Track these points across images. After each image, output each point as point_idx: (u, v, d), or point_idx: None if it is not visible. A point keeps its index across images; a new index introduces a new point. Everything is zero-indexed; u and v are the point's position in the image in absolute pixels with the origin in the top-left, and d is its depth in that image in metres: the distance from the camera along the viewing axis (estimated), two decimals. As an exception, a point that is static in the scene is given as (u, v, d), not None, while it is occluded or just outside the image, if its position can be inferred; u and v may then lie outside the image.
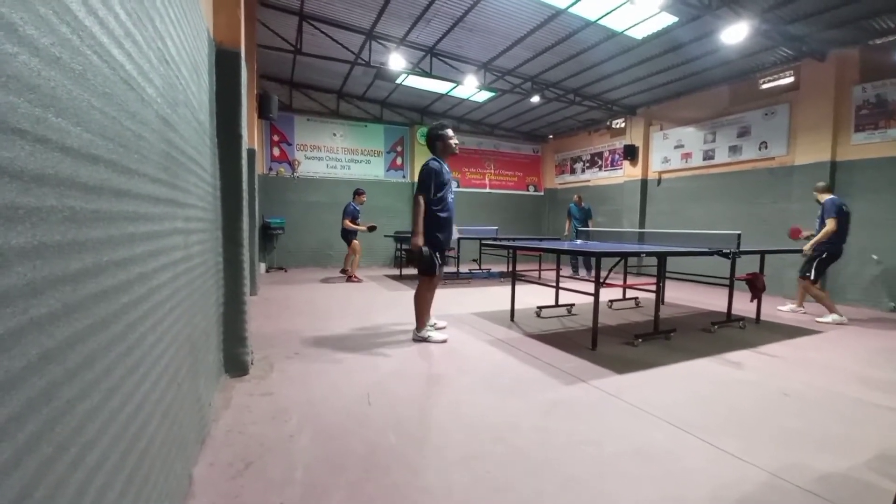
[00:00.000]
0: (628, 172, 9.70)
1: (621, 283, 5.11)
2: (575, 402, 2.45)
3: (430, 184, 3.43)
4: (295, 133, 9.54)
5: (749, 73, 7.24)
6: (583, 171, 11.27)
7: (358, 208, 7.31)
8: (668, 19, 5.73)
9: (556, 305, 4.96)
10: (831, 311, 4.78)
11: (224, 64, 2.54)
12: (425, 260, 3.45)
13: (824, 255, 4.81)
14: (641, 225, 9.29)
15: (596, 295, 3.42)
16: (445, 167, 3.56)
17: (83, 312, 0.77)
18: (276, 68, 8.47)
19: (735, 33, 5.34)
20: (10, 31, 0.55)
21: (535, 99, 8.61)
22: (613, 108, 9.33)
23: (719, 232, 4.97)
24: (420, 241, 3.43)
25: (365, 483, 1.63)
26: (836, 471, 1.79)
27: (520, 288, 5.21)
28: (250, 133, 5.52)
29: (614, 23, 5.96)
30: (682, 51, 6.64)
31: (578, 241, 6.00)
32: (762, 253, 4.62)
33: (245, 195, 2.75)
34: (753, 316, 4.65)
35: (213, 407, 2.19)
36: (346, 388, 2.58)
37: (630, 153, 9.41)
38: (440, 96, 9.52)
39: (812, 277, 4.86)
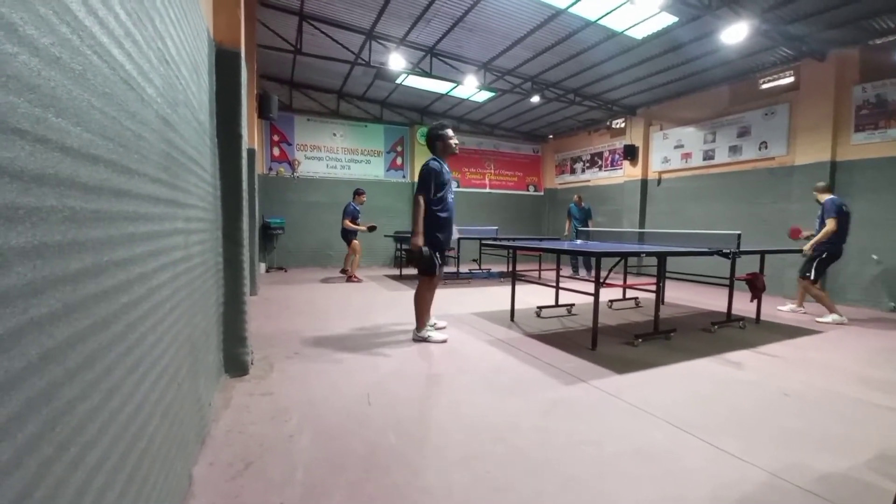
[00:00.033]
0: (628, 172, 9.70)
1: (621, 283, 5.11)
2: (575, 401, 2.45)
3: (430, 184, 3.43)
4: (295, 133, 9.54)
5: (749, 73, 7.24)
6: (583, 171, 11.27)
7: (358, 208, 7.30)
8: (668, 19, 5.73)
9: (556, 305, 4.95)
10: (831, 311, 4.78)
11: (224, 64, 2.54)
12: (425, 260, 3.45)
13: (824, 255, 4.81)
14: (641, 225, 9.29)
15: (596, 295, 3.42)
16: (445, 167, 3.56)
17: (83, 312, 0.77)
18: (276, 68, 8.47)
19: (735, 33, 5.34)
20: (10, 31, 0.55)
21: (535, 99, 8.61)
22: (613, 108, 9.33)
23: (719, 232, 4.97)
24: (420, 241, 3.43)
25: (365, 483, 1.63)
26: (836, 471, 1.79)
27: (520, 288, 5.21)
28: (250, 133, 5.52)
29: (614, 23, 5.96)
30: (682, 51, 6.64)
31: (578, 241, 6.00)
32: (762, 253, 4.62)
33: (245, 195, 2.75)
34: (753, 316, 4.65)
35: (213, 407, 2.19)
36: (346, 388, 2.58)
37: (630, 153, 9.41)
38: (440, 96, 9.52)
39: (812, 277, 4.87)
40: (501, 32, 6.54)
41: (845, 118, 6.10)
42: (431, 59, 7.48)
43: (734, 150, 7.60)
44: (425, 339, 3.59)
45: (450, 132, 3.61)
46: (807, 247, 4.92)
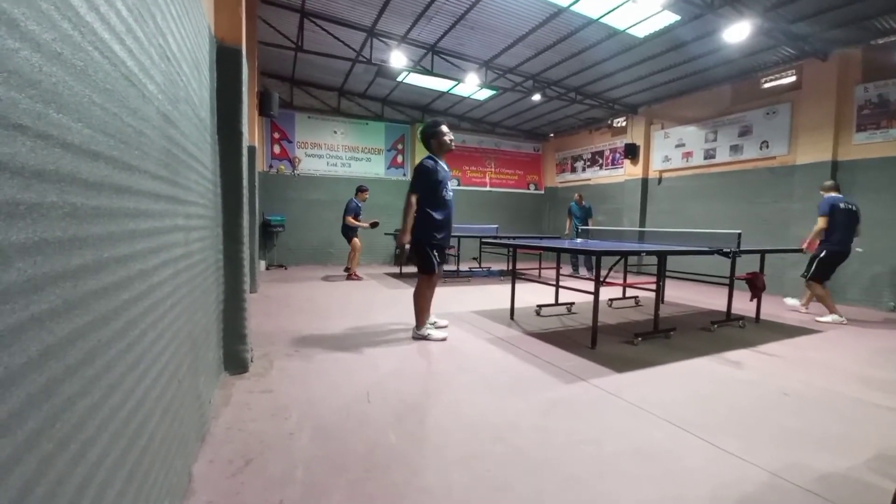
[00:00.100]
0: (629, 171, 9.69)
1: (621, 281, 5.11)
2: (574, 400, 2.45)
3: (420, 184, 3.44)
4: (296, 130, 9.53)
5: (751, 73, 7.23)
6: (583, 169, 11.26)
7: (360, 205, 7.30)
8: (671, 18, 5.72)
9: (556, 304, 4.96)
10: (831, 311, 4.78)
11: (225, 61, 2.53)
12: (412, 257, 3.50)
13: (822, 255, 4.82)
14: (642, 224, 9.29)
15: (596, 294, 3.42)
16: (441, 165, 3.55)
17: (84, 309, 0.77)
18: (277, 65, 8.46)
19: (737, 32, 5.33)
20: (12, 26, 0.55)
21: (537, 97, 8.60)
22: (615, 107, 9.32)
23: (720, 231, 4.97)
24: (406, 238, 3.44)
25: (365, 482, 1.64)
26: (836, 470, 1.79)
27: (520, 286, 5.21)
28: (251, 130, 5.52)
29: (616, 21, 5.95)
30: (684, 49, 6.63)
31: (579, 240, 6.00)
32: (762, 252, 4.62)
33: (245, 192, 2.74)
34: (753, 315, 4.65)
35: (213, 404, 2.19)
36: (345, 386, 2.58)
37: (631, 152, 9.40)
38: (441, 94, 9.51)
39: (810, 276, 4.88)
40: (503, 30, 6.53)
41: (847, 118, 6.10)
42: (433, 56, 7.46)
43: (735, 149, 7.59)
44: (425, 338, 3.59)
45: (444, 128, 3.58)
46: (805, 246, 4.93)
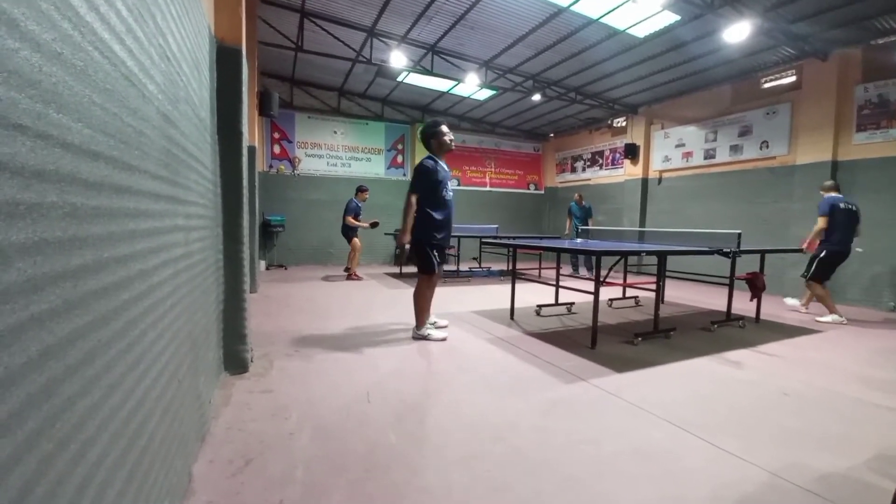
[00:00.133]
0: (629, 171, 9.69)
1: (621, 281, 5.11)
2: (574, 400, 2.45)
3: (420, 184, 3.44)
4: (296, 130, 9.53)
5: (751, 73, 7.23)
6: (583, 169, 11.26)
7: (360, 205, 7.29)
8: (670, 18, 5.72)
9: (556, 304, 4.96)
10: (831, 311, 4.78)
11: (225, 61, 2.53)
12: (412, 257, 3.50)
13: (822, 255, 4.82)
14: (642, 224, 9.29)
15: (596, 294, 3.42)
16: (441, 165, 3.55)
17: (84, 309, 0.77)
18: (277, 65, 8.46)
19: (737, 32, 5.33)
20: (12, 26, 0.55)
21: (537, 97, 8.59)
22: (615, 107, 9.32)
23: (720, 231, 4.97)
24: (406, 238, 3.44)
25: (365, 482, 1.64)
26: (836, 470, 1.79)
27: (520, 286, 5.21)
28: (251, 130, 5.52)
29: (616, 21, 5.95)
30: (684, 49, 6.63)
31: (579, 240, 6.00)
32: (762, 252, 4.62)
33: (245, 192, 2.74)
34: (753, 315, 4.65)
35: (213, 404, 2.19)
36: (345, 386, 2.58)
37: (631, 152, 9.40)
38: (441, 94, 9.50)
39: (810, 276, 4.88)
40: (503, 30, 6.53)
41: (847, 118, 6.10)
42: (433, 56, 7.46)
43: (735, 149, 7.59)
44: (425, 338, 3.59)
45: (444, 128, 3.58)
46: (805, 246, 4.94)
